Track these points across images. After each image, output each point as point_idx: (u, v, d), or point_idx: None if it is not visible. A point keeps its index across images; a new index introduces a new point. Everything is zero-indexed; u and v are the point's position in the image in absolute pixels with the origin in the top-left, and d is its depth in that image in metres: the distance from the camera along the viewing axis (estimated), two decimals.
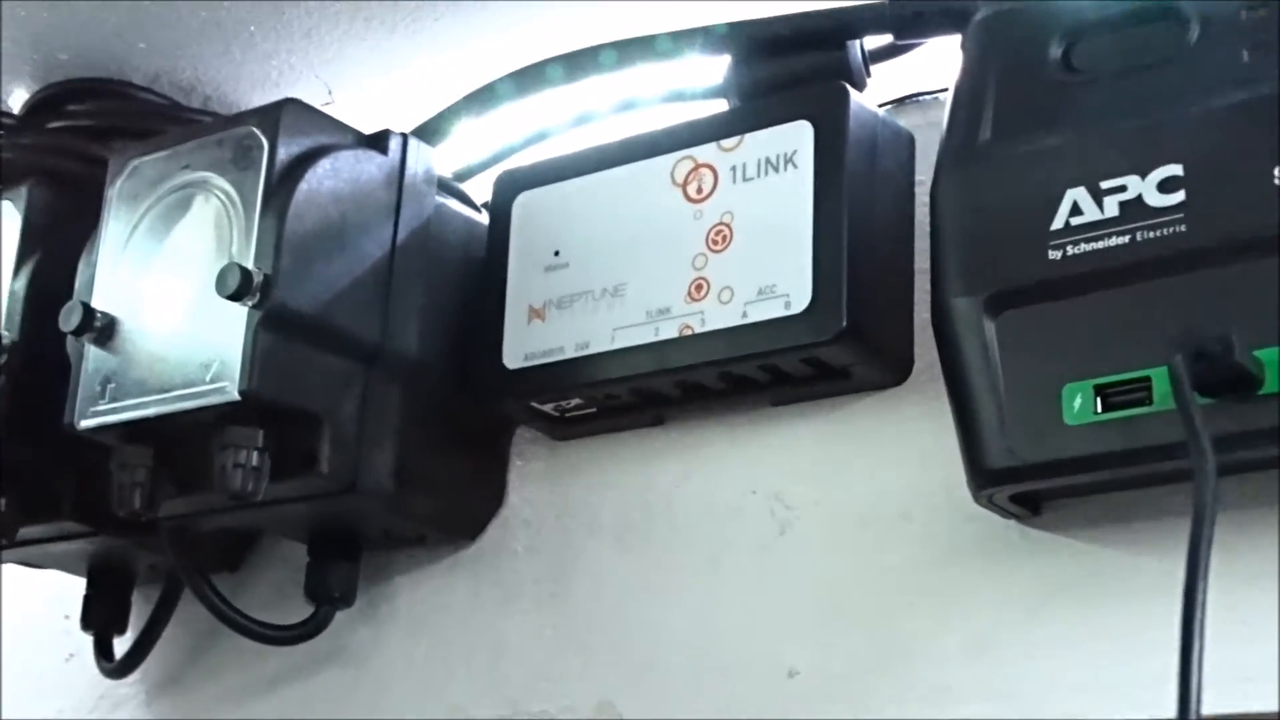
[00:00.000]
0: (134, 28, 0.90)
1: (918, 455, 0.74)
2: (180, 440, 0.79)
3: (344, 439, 0.78)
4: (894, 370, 0.75)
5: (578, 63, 0.85)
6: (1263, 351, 0.59)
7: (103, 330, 0.80)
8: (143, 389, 0.78)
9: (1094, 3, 0.67)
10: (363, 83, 0.94)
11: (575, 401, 0.81)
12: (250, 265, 0.75)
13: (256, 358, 0.75)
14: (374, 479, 0.79)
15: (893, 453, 0.75)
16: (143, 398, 0.78)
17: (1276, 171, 0.60)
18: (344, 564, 0.86)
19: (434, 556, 0.88)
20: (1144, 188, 0.63)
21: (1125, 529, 0.68)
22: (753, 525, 0.78)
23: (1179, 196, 0.62)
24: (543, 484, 0.86)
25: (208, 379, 0.76)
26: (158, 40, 0.91)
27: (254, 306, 0.75)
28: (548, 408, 0.82)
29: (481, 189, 0.88)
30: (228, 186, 0.79)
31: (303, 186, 0.77)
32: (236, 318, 0.75)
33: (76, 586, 0.95)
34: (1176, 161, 0.62)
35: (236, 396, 0.75)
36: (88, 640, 0.94)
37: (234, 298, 0.74)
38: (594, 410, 0.82)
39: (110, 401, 0.79)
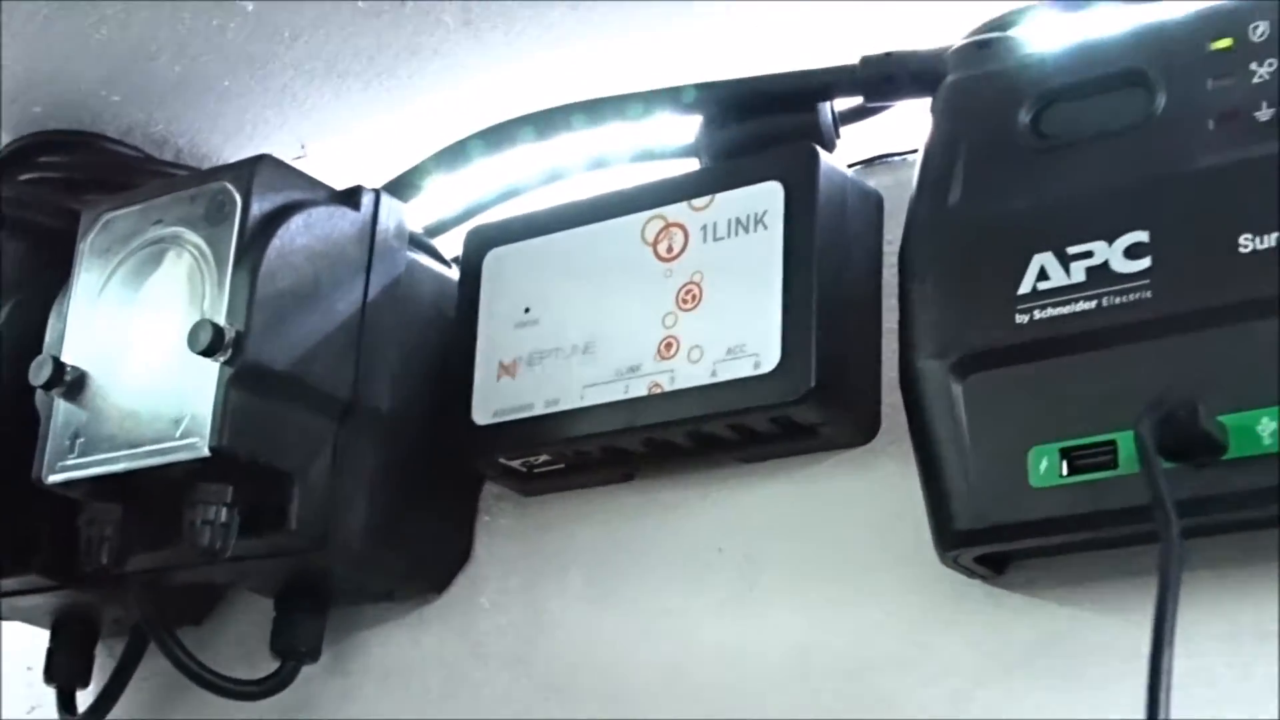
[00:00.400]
0: (107, 81, 0.91)
1: (885, 513, 0.74)
2: (149, 495, 0.79)
3: (314, 496, 0.78)
4: (862, 429, 0.76)
5: (548, 123, 0.85)
6: (1228, 416, 0.60)
7: (73, 384, 0.80)
8: (112, 444, 0.78)
9: (1063, 69, 0.68)
10: (336, 137, 0.94)
11: (544, 457, 0.81)
12: (222, 321, 0.75)
13: (228, 414, 0.75)
14: (344, 536, 0.80)
15: (860, 511, 0.76)
16: (112, 453, 0.78)
17: (1242, 239, 0.61)
18: (311, 618, 0.86)
19: (402, 610, 0.88)
20: (1110, 253, 0.64)
21: (1091, 590, 0.68)
22: (721, 581, 0.78)
23: (1145, 263, 0.63)
24: (511, 539, 0.86)
25: (178, 435, 0.76)
26: (131, 93, 0.92)
27: (226, 363, 0.75)
28: (516, 463, 0.82)
29: (453, 244, 0.88)
30: (200, 242, 0.79)
31: (275, 243, 0.77)
32: (208, 374, 0.75)
33: (40, 639, 0.94)
34: (1143, 228, 0.63)
35: (207, 453, 0.75)
36: (50, 693, 0.94)
37: (206, 354, 0.75)
38: (562, 466, 0.82)
39: (79, 456, 0.79)
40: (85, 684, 0.94)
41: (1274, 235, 0.60)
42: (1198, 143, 0.63)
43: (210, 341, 0.74)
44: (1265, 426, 0.59)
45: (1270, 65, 0.63)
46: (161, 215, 0.81)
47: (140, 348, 0.79)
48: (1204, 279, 0.61)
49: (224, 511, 0.76)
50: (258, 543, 0.79)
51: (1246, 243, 0.61)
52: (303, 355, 0.78)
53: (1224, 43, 0.64)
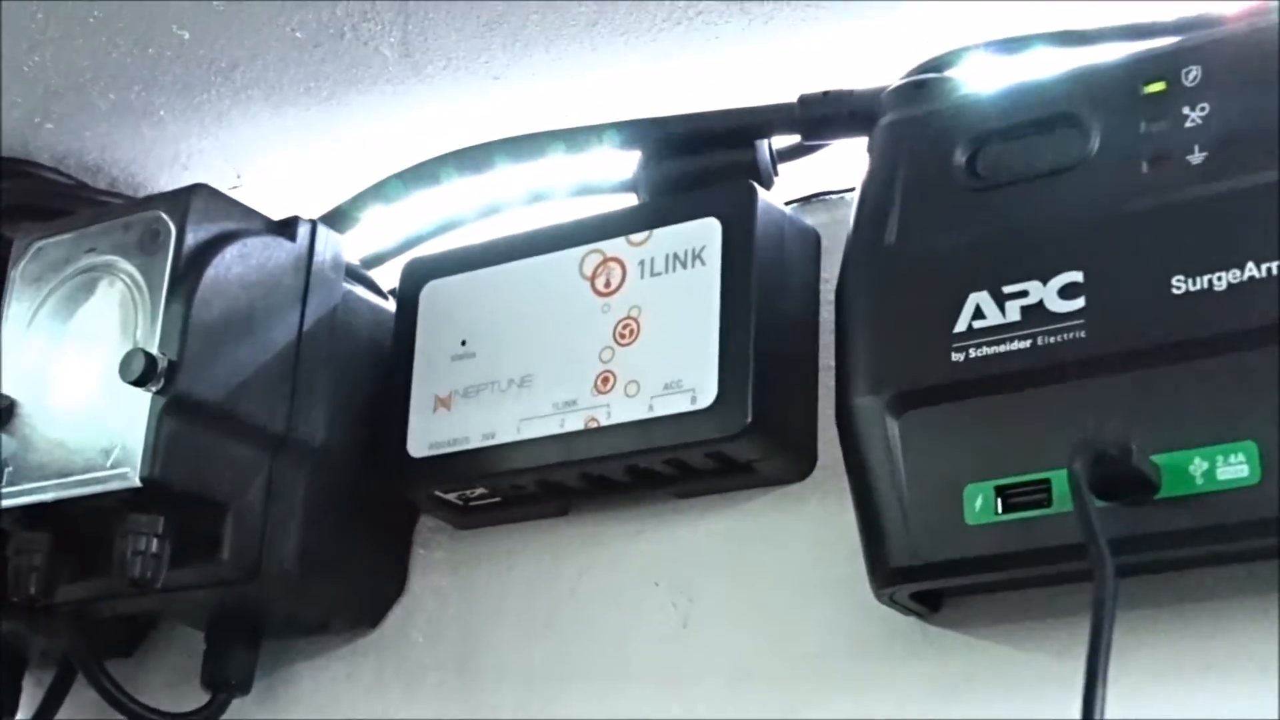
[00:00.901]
0: (40, 109, 0.90)
1: (821, 549, 0.75)
2: (79, 525, 0.78)
3: (247, 526, 0.78)
4: (798, 465, 0.76)
5: (480, 157, 0.85)
6: (1161, 456, 0.61)
7: (2, 413, 0.79)
8: (42, 473, 0.77)
9: (998, 111, 0.68)
10: (272, 167, 0.94)
11: (480, 491, 0.81)
12: (155, 351, 0.75)
13: (159, 444, 0.74)
14: (277, 567, 0.79)
15: (796, 547, 0.76)
16: (42, 481, 0.77)
17: (1174, 281, 0.62)
18: (242, 651, 0.85)
19: (335, 643, 0.87)
20: (1045, 293, 0.64)
21: (1025, 626, 0.68)
22: (657, 617, 0.78)
23: (1079, 303, 0.63)
24: (445, 572, 0.86)
25: (109, 464, 0.75)
26: (65, 121, 0.91)
27: (158, 392, 0.74)
28: (452, 496, 0.82)
29: (390, 276, 0.88)
30: (134, 270, 0.78)
31: (210, 272, 0.77)
32: (140, 403, 0.75)
33: None
34: (1077, 268, 0.64)
35: (138, 483, 0.74)
36: None
37: (138, 383, 0.74)
38: (498, 500, 0.82)
39: (8, 485, 0.78)
40: (12, 715, 0.93)
41: (1206, 277, 0.61)
42: (1131, 185, 0.64)
43: (142, 371, 0.74)
44: (1198, 466, 0.60)
45: (1203, 109, 0.64)
46: (95, 243, 0.81)
47: (72, 376, 0.78)
48: (1137, 320, 0.62)
49: (155, 542, 0.76)
50: (189, 573, 0.78)
51: (1179, 284, 0.61)
52: (236, 386, 0.77)
53: (1157, 86, 0.65)
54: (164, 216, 0.78)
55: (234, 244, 0.79)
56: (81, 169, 0.94)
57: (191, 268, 0.77)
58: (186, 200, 0.78)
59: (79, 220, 0.82)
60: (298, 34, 0.84)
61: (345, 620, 0.86)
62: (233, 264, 0.78)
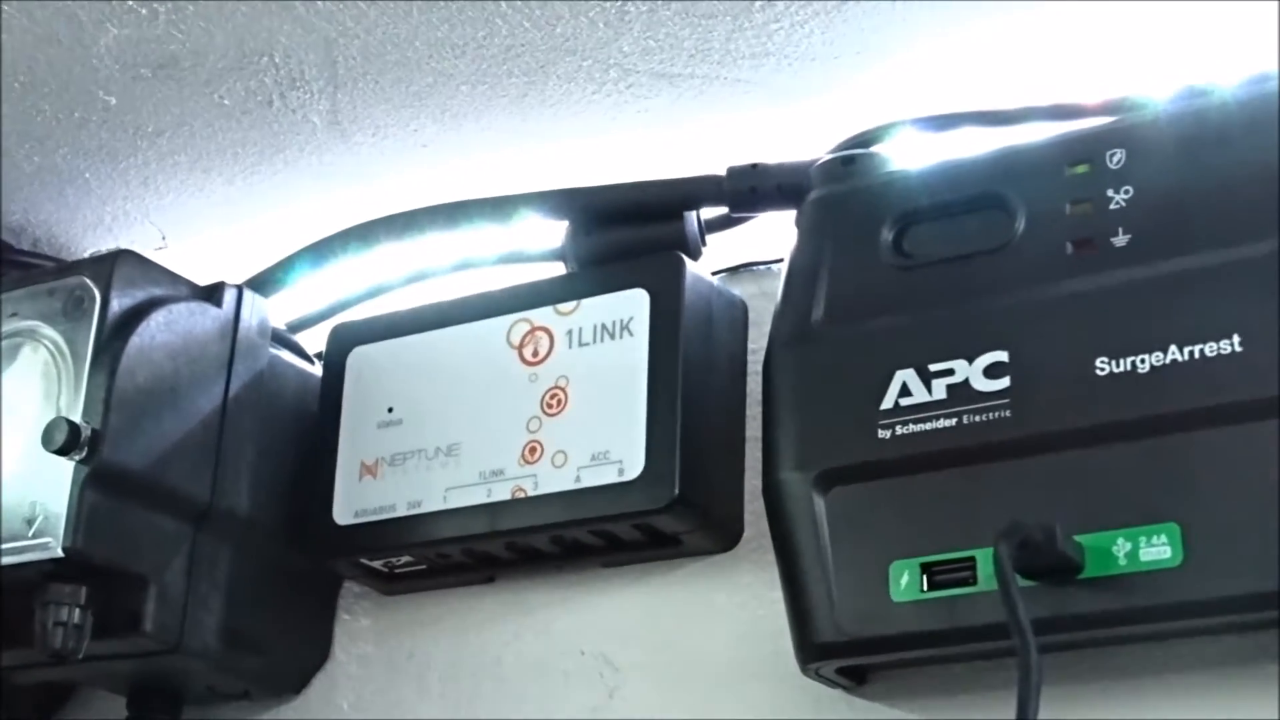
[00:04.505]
0: None
1: (746, 621, 0.75)
2: (1, 595, 0.77)
3: (170, 598, 0.77)
4: (724, 538, 0.76)
5: (410, 223, 0.85)
6: (1085, 536, 0.61)
7: None
8: None
9: (925, 189, 0.69)
10: (198, 230, 0.94)
11: (405, 559, 0.81)
12: (79, 420, 0.74)
13: (82, 515, 0.74)
14: (199, 639, 0.78)
15: (722, 618, 0.76)
16: None
17: (1099, 362, 0.62)
18: (164, 718, 0.85)
19: (258, 710, 0.87)
20: (971, 372, 0.65)
21: (949, 701, 0.69)
22: (582, 686, 0.78)
23: (1004, 382, 0.64)
24: (370, 639, 0.85)
25: (30, 534, 0.74)
26: None
27: (81, 462, 0.74)
28: (377, 564, 0.82)
29: (317, 340, 0.88)
30: (57, 337, 0.78)
31: (135, 340, 0.76)
32: (63, 473, 0.74)
33: None
34: (1002, 348, 0.64)
35: (60, 554, 0.73)
36: None
37: (61, 452, 0.73)
38: (425, 567, 0.82)
39: None
40: None
41: (1130, 359, 0.62)
42: (1056, 267, 0.65)
43: (65, 440, 0.73)
44: (1120, 547, 0.61)
45: (1126, 192, 0.64)
46: (17, 308, 0.80)
47: None
48: (1062, 401, 0.63)
49: (76, 613, 0.75)
50: (111, 644, 0.77)
51: (1103, 366, 0.62)
52: (160, 456, 0.77)
53: (1081, 168, 0.66)
54: (88, 282, 0.78)
55: (159, 311, 0.78)
56: (5, 229, 0.94)
57: (116, 335, 0.76)
58: (111, 266, 0.78)
59: (1, 285, 0.81)
60: (225, 101, 0.84)
61: (268, 690, 0.85)
62: (157, 331, 0.78)
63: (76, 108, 0.85)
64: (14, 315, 0.80)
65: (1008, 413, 0.63)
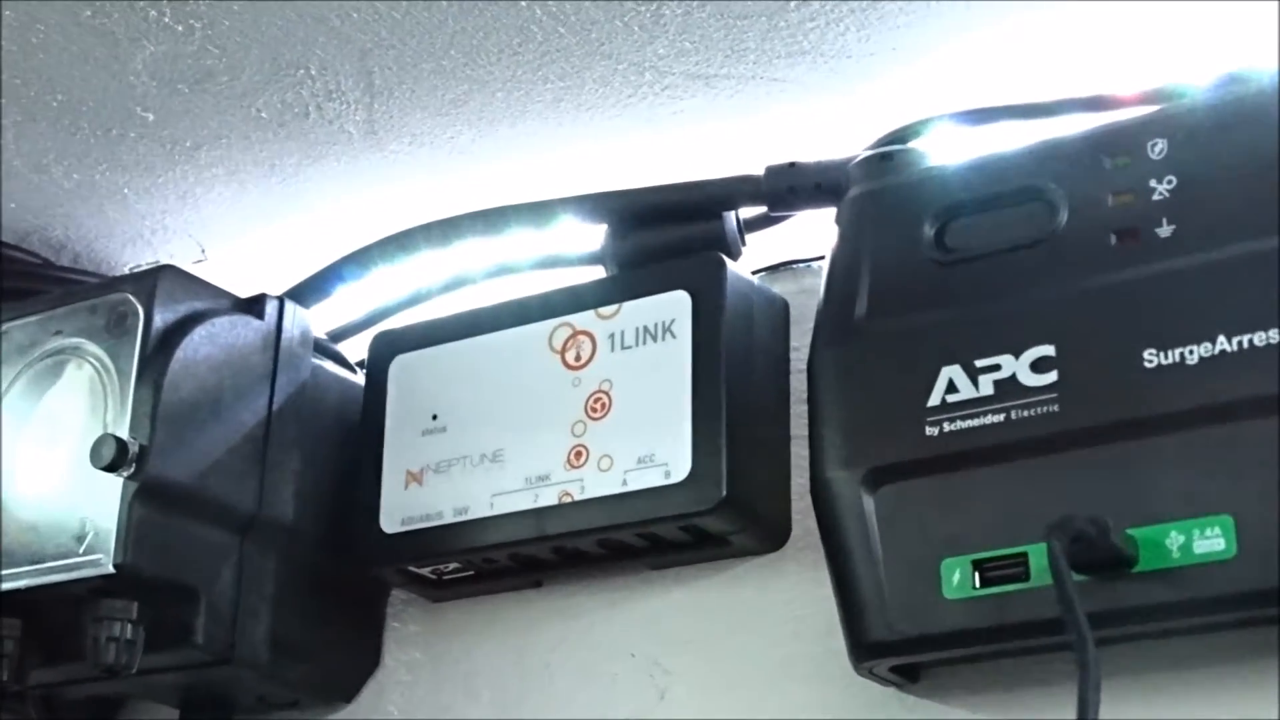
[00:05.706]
0: (4, 188, 0.90)
1: (796, 620, 0.75)
2: (51, 609, 0.78)
3: (219, 610, 0.78)
4: (772, 537, 0.76)
5: (451, 230, 0.85)
6: (1138, 530, 0.61)
7: None
8: (13, 560, 0.77)
9: (965, 184, 0.69)
10: (236, 241, 0.94)
11: (453, 565, 0.81)
12: (126, 436, 0.74)
13: (132, 530, 0.74)
14: (249, 649, 0.79)
15: (771, 618, 0.76)
16: (14, 569, 0.77)
17: (1146, 354, 0.62)
18: None
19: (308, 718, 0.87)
20: (1018, 367, 0.64)
21: (1004, 696, 0.69)
22: (631, 690, 0.78)
23: (1051, 377, 0.64)
24: (419, 646, 0.86)
25: (81, 551, 0.75)
26: (29, 200, 0.91)
27: (129, 478, 0.74)
28: (425, 571, 0.82)
29: (358, 349, 0.88)
30: (102, 354, 0.78)
31: (179, 355, 0.77)
32: (111, 489, 0.74)
33: None
34: (1049, 342, 0.64)
35: (111, 570, 0.74)
36: None
37: (109, 469, 0.74)
38: (472, 573, 0.82)
39: None
40: None
41: (1178, 351, 0.61)
42: (1100, 259, 0.64)
43: (114, 456, 0.74)
44: (1174, 540, 0.60)
45: (1170, 182, 0.64)
46: (61, 326, 0.80)
47: (41, 461, 0.78)
48: (1110, 394, 0.62)
49: (129, 628, 0.75)
50: (162, 657, 0.78)
51: (1151, 358, 0.62)
52: (207, 468, 0.77)
53: (1123, 159, 0.65)
54: (131, 299, 0.78)
55: (202, 325, 0.78)
56: (45, 246, 0.94)
57: (160, 350, 0.77)
58: (153, 282, 0.78)
59: (44, 302, 0.82)
60: (262, 114, 0.84)
61: (319, 698, 0.86)
62: (201, 345, 0.78)
63: (114, 124, 0.85)
64: (58, 333, 0.80)
65: (1056, 407, 0.63)
